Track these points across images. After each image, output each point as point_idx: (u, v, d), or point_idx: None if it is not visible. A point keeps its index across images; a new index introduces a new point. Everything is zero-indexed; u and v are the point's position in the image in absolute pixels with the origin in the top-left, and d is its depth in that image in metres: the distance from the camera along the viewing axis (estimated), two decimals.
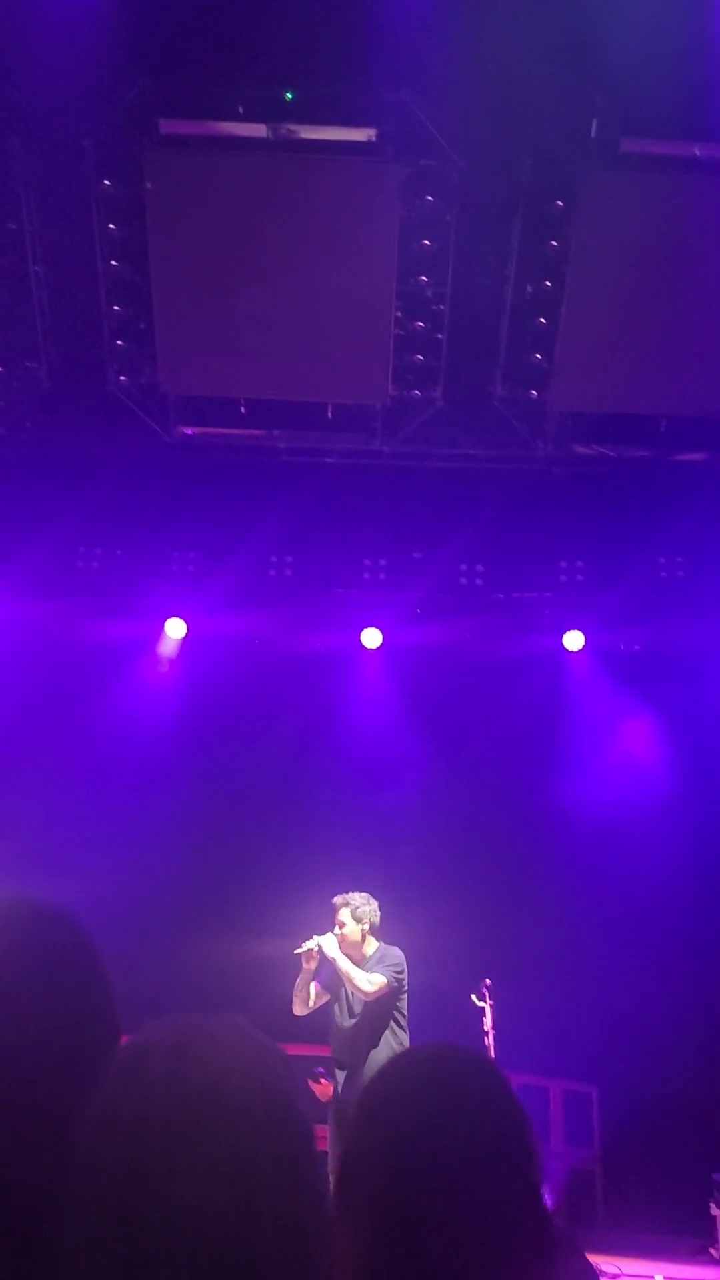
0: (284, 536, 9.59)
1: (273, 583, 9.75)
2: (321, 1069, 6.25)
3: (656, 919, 9.74)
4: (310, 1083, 6.17)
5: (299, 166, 7.77)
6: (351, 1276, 1.17)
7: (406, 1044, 6.11)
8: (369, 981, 6.07)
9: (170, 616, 9.80)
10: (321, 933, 6.26)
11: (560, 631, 9.98)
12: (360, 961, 6.21)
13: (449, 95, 7.41)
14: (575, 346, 8.44)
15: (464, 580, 9.82)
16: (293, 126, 7.63)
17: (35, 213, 8.10)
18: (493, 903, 9.45)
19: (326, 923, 6.35)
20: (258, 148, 7.74)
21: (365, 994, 6.08)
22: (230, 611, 9.75)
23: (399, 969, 6.18)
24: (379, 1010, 6.13)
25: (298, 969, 6.33)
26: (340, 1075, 6.20)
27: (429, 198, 7.96)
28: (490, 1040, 6.61)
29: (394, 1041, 6.13)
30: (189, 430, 9.26)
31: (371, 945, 6.30)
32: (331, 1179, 1.27)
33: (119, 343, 8.68)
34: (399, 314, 8.41)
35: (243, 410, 9.16)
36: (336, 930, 6.25)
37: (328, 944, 6.18)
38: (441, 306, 8.43)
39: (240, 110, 7.62)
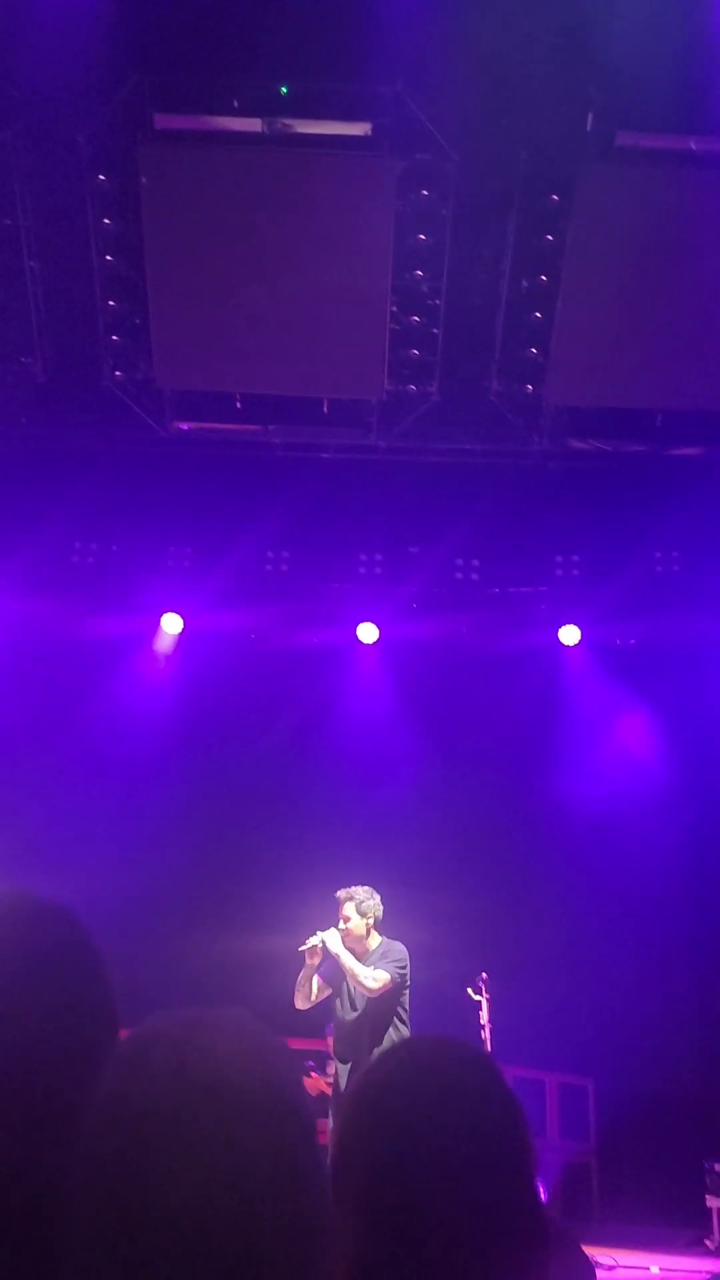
0: (280, 531, 9.59)
1: (269, 578, 9.75)
2: (311, 1063, 6.24)
3: (652, 913, 9.76)
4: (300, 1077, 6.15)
5: (294, 161, 7.76)
6: (345, 1268, 1.17)
7: None
8: (373, 978, 6.07)
9: (166, 612, 9.80)
10: (322, 928, 6.25)
11: (556, 626, 9.99)
12: (363, 956, 6.21)
13: (444, 89, 7.39)
14: (571, 341, 8.43)
15: (460, 575, 9.82)
16: (288, 121, 7.62)
17: (30, 208, 8.08)
18: (489, 897, 9.47)
19: (324, 917, 6.35)
20: (253, 142, 7.73)
21: (369, 990, 6.07)
22: (226, 606, 9.75)
23: (402, 964, 6.18)
24: (382, 1006, 6.13)
25: (295, 963, 6.32)
26: (342, 1069, 6.20)
27: (424, 192, 7.94)
28: (486, 1034, 6.62)
29: (396, 1036, 6.11)
30: (184, 425, 9.26)
31: (375, 939, 6.29)
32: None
33: (114, 338, 8.66)
34: (394, 309, 8.39)
35: (238, 405, 9.16)
36: (341, 925, 6.24)
37: (331, 939, 6.17)
38: (437, 301, 8.42)
39: (235, 105, 7.61)
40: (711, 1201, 8.26)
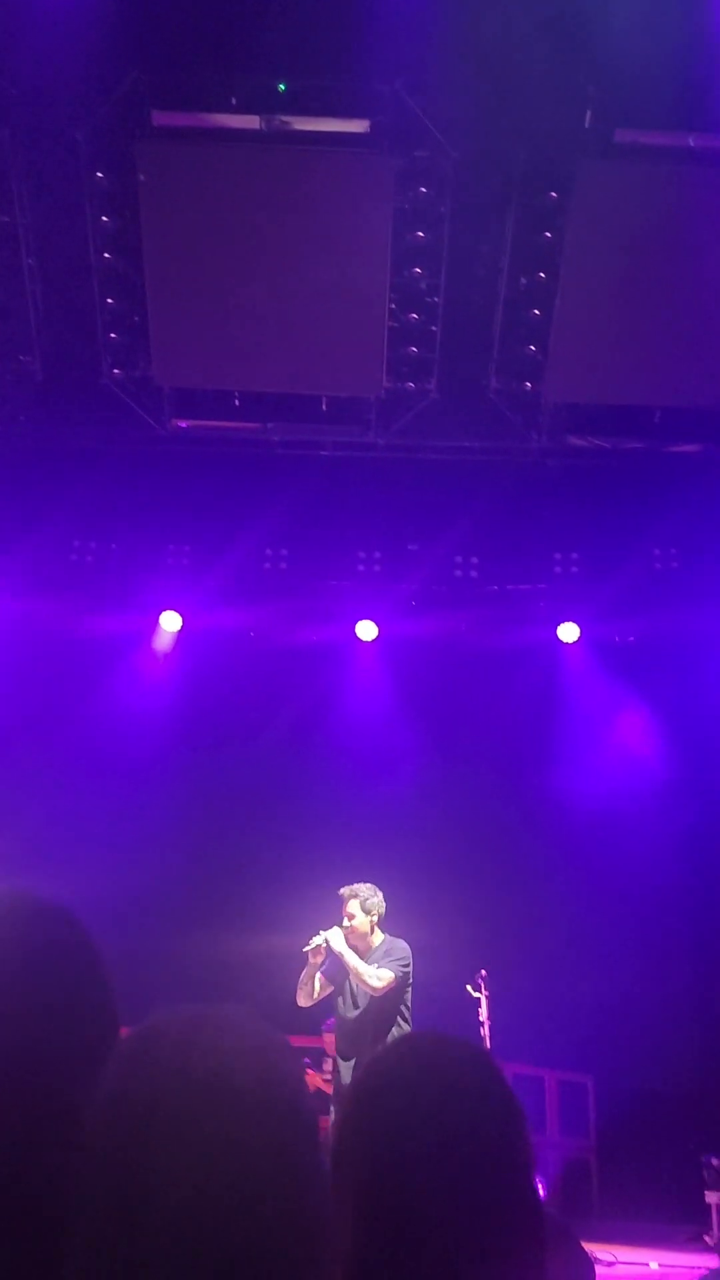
0: (278, 529, 9.59)
1: (267, 575, 9.75)
2: (308, 1060, 6.23)
3: (651, 909, 9.78)
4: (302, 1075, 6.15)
5: (292, 158, 7.75)
6: (342, 1262, 1.17)
7: None
8: (377, 978, 6.06)
9: (165, 610, 9.80)
10: (323, 926, 6.25)
11: (555, 623, 9.99)
12: (366, 953, 6.21)
13: (442, 87, 7.39)
14: (569, 338, 8.43)
15: (459, 572, 9.82)
16: (286, 118, 7.60)
17: (28, 205, 8.07)
18: (488, 894, 9.48)
19: (324, 916, 6.34)
20: (251, 139, 7.71)
21: (374, 990, 6.06)
22: (225, 604, 9.75)
23: (405, 963, 6.17)
24: (385, 1004, 6.12)
25: (296, 962, 6.32)
26: (345, 1067, 6.20)
27: (423, 189, 7.94)
28: (485, 1030, 6.63)
29: (398, 1034, 6.12)
30: (183, 423, 9.25)
31: (378, 937, 6.29)
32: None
33: (112, 335, 8.65)
34: (393, 306, 8.39)
35: (237, 403, 9.15)
36: (345, 922, 6.24)
37: (335, 938, 6.16)
38: (435, 298, 8.42)
39: (233, 102, 7.59)
40: (710, 1197, 8.27)
